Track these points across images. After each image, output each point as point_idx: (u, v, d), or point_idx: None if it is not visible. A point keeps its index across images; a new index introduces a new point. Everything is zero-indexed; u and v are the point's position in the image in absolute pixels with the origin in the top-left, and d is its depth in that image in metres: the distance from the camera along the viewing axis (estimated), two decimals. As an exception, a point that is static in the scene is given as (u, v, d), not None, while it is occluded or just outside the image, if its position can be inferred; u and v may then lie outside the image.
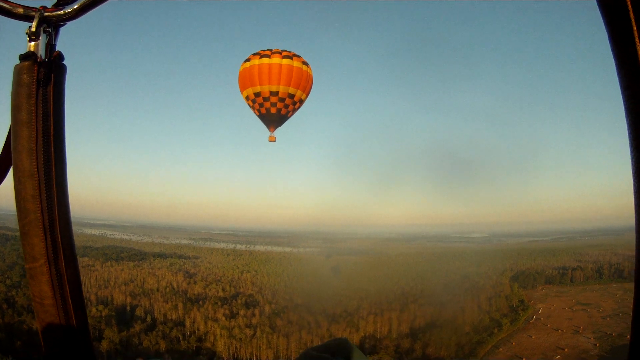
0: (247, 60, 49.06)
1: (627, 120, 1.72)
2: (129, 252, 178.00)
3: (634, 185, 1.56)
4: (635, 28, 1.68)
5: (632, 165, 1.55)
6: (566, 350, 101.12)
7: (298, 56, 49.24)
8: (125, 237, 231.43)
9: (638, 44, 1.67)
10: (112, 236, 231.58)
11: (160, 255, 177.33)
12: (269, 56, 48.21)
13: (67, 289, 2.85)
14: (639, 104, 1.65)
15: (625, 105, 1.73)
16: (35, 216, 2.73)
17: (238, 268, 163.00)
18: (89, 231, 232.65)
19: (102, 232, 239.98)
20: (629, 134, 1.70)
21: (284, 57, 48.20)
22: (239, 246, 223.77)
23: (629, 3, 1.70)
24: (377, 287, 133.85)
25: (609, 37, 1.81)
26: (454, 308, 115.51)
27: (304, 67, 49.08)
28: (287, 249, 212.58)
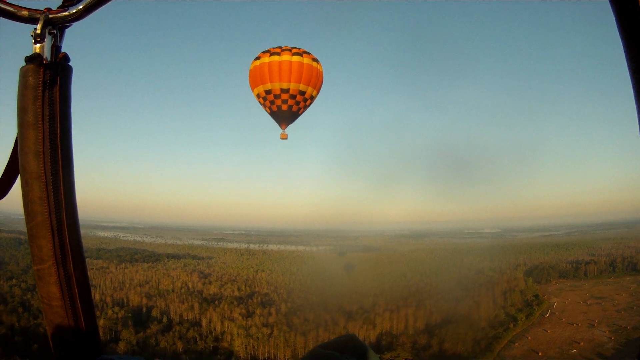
0: (257, 58, 49.26)
1: (638, 117, 1.76)
2: (143, 253, 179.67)
3: None
4: None
5: None
6: (582, 344, 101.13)
7: (308, 53, 49.35)
8: (138, 238, 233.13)
9: None
10: (124, 238, 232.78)
11: (174, 256, 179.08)
12: (279, 54, 48.23)
13: (76, 290, 2.94)
14: None
15: (637, 103, 1.74)
16: (42, 218, 2.81)
17: (252, 267, 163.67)
18: (101, 233, 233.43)
19: (114, 235, 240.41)
20: None
21: (294, 54, 48.21)
22: (252, 246, 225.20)
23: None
24: (391, 284, 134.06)
25: (620, 35, 1.80)
26: (469, 303, 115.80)
27: (314, 63, 49.15)
28: (300, 248, 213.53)
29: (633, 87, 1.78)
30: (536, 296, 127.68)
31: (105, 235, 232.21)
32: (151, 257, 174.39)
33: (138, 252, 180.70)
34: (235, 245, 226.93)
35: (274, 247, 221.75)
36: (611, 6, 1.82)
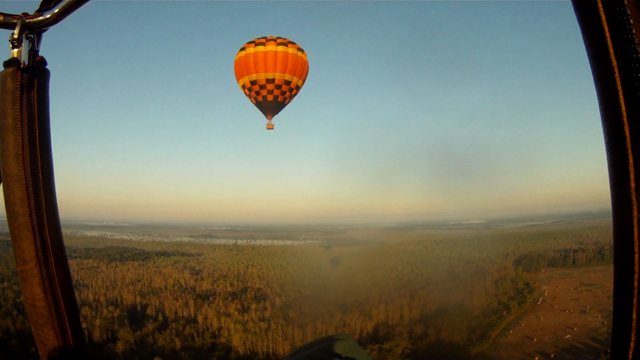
0: (242, 49, 49.19)
1: (602, 121, 1.79)
2: (132, 252, 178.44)
3: (611, 183, 1.72)
4: (607, 30, 1.73)
5: (608, 161, 1.71)
6: (575, 329, 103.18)
7: (293, 43, 49.32)
8: (125, 237, 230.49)
9: (610, 46, 1.72)
10: (112, 237, 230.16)
11: (163, 254, 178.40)
12: (264, 44, 48.23)
13: (59, 290, 2.96)
14: (613, 108, 1.71)
15: (600, 107, 1.79)
16: (24, 219, 2.86)
17: (242, 263, 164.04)
18: (88, 233, 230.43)
19: (101, 234, 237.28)
20: (604, 136, 1.79)
21: (279, 44, 48.22)
22: (239, 241, 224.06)
23: (600, 5, 1.73)
24: (383, 276, 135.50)
25: (583, 39, 1.86)
26: (461, 293, 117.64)
27: (299, 53, 49.18)
28: (288, 242, 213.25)
29: (597, 96, 1.80)
30: (527, 284, 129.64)
31: (93, 234, 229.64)
32: (140, 255, 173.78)
33: (127, 251, 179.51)
34: (222, 241, 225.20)
35: (261, 242, 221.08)
36: (576, 15, 1.86)
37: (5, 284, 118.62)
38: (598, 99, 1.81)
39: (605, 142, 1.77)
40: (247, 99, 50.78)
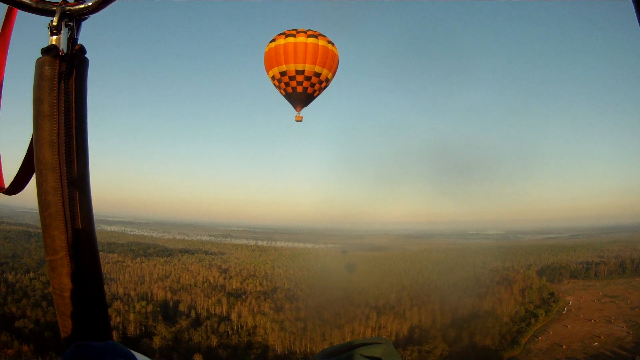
0: (273, 40, 48.85)
1: None
2: (155, 248, 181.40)
3: None
4: None
5: None
6: (602, 337, 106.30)
7: (323, 35, 48.82)
8: (145, 233, 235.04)
9: None
10: (131, 233, 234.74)
11: (187, 251, 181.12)
12: (294, 35, 47.74)
13: (88, 282, 2.92)
14: None
15: None
16: (56, 209, 2.80)
17: (268, 263, 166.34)
18: (108, 228, 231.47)
19: (121, 229, 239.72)
20: None
21: (309, 36, 47.79)
22: (259, 242, 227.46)
23: None
24: (410, 281, 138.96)
25: None
26: (489, 300, 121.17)
27: (330, 46, 48.70)
28: (309, 245, 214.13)
29: None
30: (552, 294, 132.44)
31: (112, 229, 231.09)
32: (164, 251, 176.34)
33: (150, 247, 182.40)
34: (243, 241, 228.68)
35: (282, 244, 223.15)
36: (633, 4, 1.84)
37: (32, 274, 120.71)
38: None
39: None
40: (272, 96, 52.15)
